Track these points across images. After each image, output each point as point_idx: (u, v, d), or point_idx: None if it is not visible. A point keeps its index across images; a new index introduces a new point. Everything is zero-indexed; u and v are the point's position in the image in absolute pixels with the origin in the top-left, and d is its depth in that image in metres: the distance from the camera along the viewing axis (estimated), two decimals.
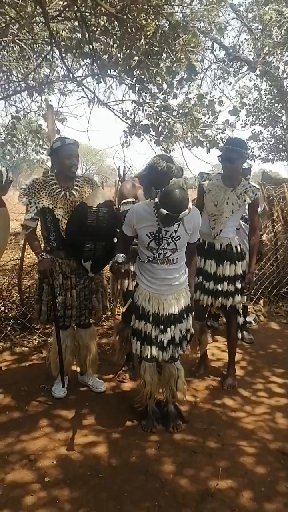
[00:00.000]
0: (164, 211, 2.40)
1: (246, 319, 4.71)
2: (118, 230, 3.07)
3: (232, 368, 3.62)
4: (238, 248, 3.42)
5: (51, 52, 5.12)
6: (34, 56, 5.94)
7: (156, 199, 2.49)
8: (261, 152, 14.32)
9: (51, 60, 5.33)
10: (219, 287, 3.36)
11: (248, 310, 4.94)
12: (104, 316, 4.59)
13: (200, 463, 2.57)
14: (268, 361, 4.04)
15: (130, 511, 2.19)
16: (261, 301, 5.47)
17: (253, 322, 4.96)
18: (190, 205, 2.51)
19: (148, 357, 2.77)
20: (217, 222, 3.33)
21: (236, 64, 10.69)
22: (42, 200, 3.00)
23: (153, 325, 2.74)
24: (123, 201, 3.21)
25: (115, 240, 3.13)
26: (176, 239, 2.64)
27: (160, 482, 2.40)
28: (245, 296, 3.50)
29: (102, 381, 3.46)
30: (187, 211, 2.45)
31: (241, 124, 13.20)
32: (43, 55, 5.71)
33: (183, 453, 2.66)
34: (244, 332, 4.52)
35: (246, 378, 3.69)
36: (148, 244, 2.64)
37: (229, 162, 3.22)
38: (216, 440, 2.80)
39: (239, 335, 4.31)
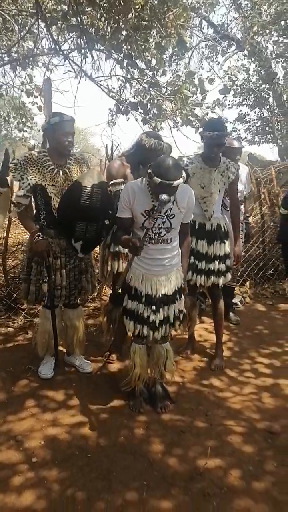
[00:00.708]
0: (158, 179, 2.35)
1: (233, 300, 4.73)
2: (110, 212, 3.01)
3: (220, 348, 3.63)
4: (226, 228, 3.44)
5: (36, 24, 4.92)
6: (18, 28, 5.73)
7: (149, 170, 2.43)
8: (247, 134, 14.26)
9: (36, 32, 5.13)
10: (211, 267, 3.36)
11: (235, 292, 4.95)
12: (90, 297, 4.54)
13: (188, 442, 2.57)
14: (254, 342, 4.07)
15: (119, 490, 2.18)
16: (247, 283, 5.49)
17: (240, 304, 4.98)
18: (185, 175, 2.47)
19: (140, 334, 2.74)
20: (208, 203, 3.29)
21: (224, 43, 10.53)
22: (35, 177, 2.90)
23: (145, 305, 2.71)
24: (112, 182, 3.15)
25: (107, 222, 3.07)
26: (171, 217, 2.59)
27: (148, 462, 2.40)
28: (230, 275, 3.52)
29: (89, 362, 3.43)
30: (181, 179, 2.41)
31: (228, 105, 13.09)
32: (27, 27, 5.51)
33: (171, 433, 2.66)
34: (231, 313, 4.53)
35: (233, 359, 3.71)
36: (143, 223, 2.59)
37: (218, 147, 3.20)
38: (204, 420, 2.81)
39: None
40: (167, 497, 2.15)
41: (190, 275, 3.35)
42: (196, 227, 3.33)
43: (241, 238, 4.42)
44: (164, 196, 2.33)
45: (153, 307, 2.71)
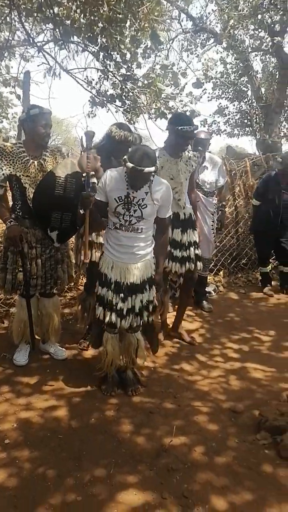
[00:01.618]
0: (130, 164, 2.48)
1: (206, 289, 4.86)
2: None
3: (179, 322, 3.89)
4: (193, 216, 3.59)
5: (11, 15, 4.92)
6: None
7: (125, 156, 2.56)
8: (226, 126, 14.37)
9: (11, 23, 5.12)
10: (186, 254, 3.51)
11: (208, 281, 5.09)
12: (67, 286, 4.61)
13: (157, 422, 2.69)
14: (225, 328, 4.22)
15: (89, 468, 2.29)
16: (221, 272, 5.65)
17: (213, 292, 5.12)
18: (158, 165, 2.60)
19: (109, 322, 2.83)
20: (180, 193, 3.42)
21: (203, 36, 10.59)
22: (9, 168, 2.96)
23: (114, 292, 2.81)
24: (84, 174, 3.21)
25: (82, 211, 3.14)
26: (142, 206, 2.69)
27: (117, 442, 2.51)
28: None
29: (64, 349, 3.53)
30: (153, 168, 2.53)
31: (208, 97, 13.18)
32: (2, 18, 5.49)
33: (141, 414, 2.78)
34: (204, 301, 4.67)
35: (204, 345, 3.85)
36: (115, 208, 2.69)
37: (187, 141, 3.35)
38: (172, 401, 2.93)
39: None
40: (134, 473, 2.27)
41: (166, 262, 3.46)
42: (171, 216, 3.44)
43: (214, 227, 4.56)
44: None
45: (122, 295, 2.80)
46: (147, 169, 2.51)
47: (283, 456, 2.37)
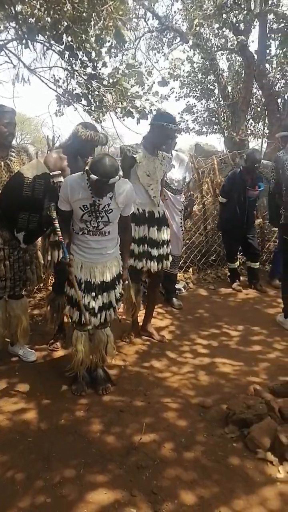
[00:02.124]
0: (94, 177, 2.45)
1: (176, 286, 4.91)
2: (52, 204, 3.05)
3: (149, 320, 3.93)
4: (166, 214, 3.66)
5: None
6: None
7: (87, 167, 2.53)
8: (195, 124, 14.51)
9: None
10: (161, 251, 3.56)
11: (178, 278, 5.14)
12: (36, 287, 4.57)
13: (127, 421, 2.71)
14: (195, 325, 4.27)
15: (58, 469, 2.28)
16: (191, 269, 5.70)
17: (183, 290, 5.16)
18: (121, 173, 2.58)
19: (81, 321, 2.82)
20: (155, 190, 3.47)
21: (169, 35, 10.66)
22: None
23: (85, 292, 2.81)
24: (51, 174, 3.19)
25: (49, 212, 3.11)
26: (108, 212, 2.70)
27: (87, 441, 2.52)
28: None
29: (33, 351, 3.49)
30: (117, 177, 2.52)
31: (176, 97, 13.28)
32: None
33: (111, 413, 2.79)
34: (174, 299, 4.71)
35: (174, 342, 3.89)
36: (81, 216, 2.68)
37: (168, 139, 3.44)
38: (142, 399, 2.95)
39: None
40: (103, 472, 2.27)
41: (144, 262, 3.50)
42: (147, 215, 3.48)
43: (182, 224, 4.61)
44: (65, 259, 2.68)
45: (93, 294, 2.81)
46: (112, 180, 2.49)
47: (250, 449, 2.42)
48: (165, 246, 3.59)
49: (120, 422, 2.70)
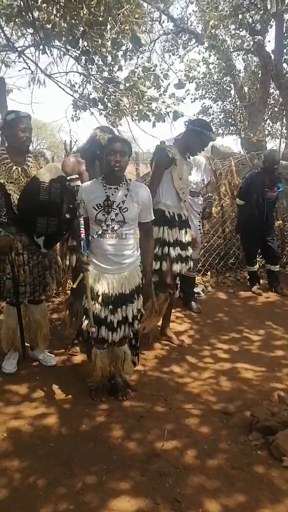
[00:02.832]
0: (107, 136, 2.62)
1: (194, 290, 4.86)
2: (71, 206, 3.05)
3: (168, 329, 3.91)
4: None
5: None
6: None
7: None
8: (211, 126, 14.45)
9: None
10: (188, 253, 3.55)
11: (196, 281, 5.09)
12: (54, 291, 4.58)
13: (148, 427, 2.68)
14: (215, 329, 4.22)
15: (80, 476, 2.27)
16: (209, 272, 5.65)
17: (201, 293, 5.12)
18: (138, 183, 2.61)
19: (100, 337, 2.78)
20: (185, 194, 3.49)
21: (184, 37, 10.63)
22: None
23: (102, 305, 2.74)
24: (68, 178, 3.19)
25: (68, 216, 3.11)
26: (123, 210, 2.66)
27: (108, 447, 2.49)
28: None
29: (53, 355, 3.49)
30: (127, 155, 2.65)
31: (191, 98, 13.24)
32: None
33: (131, 418, 2.76)
34: (192, 302, 4.67)
35: (194, 346, 3.85)
36: (95, 216, 2.66)
37: (204, 146, 3.47)
38: (163, 405, 2.92)
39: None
40: (125, 479, 2.25)
41: (180, 265, 3.47)
42: (176, 218, 3.45)
43: (201, 227, 4.57)
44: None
45: (111, 307, 2.74)
46: (124, 145, 2.60)
47: (275, 456, 2.37)
48: (189, 248, 3.57)
49: (141, 428, 2.67)
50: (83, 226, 2.63)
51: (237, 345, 3.87)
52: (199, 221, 4.49)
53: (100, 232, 2.68)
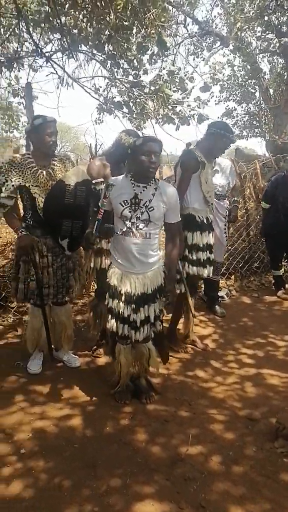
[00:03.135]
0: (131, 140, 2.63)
1: (218, 294, 4.83)
2: (95, 209, 3.08)
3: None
4: None
5: (19, 26, 4.97)
6: (2, 29, 5.76)
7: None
8: (235, 128, 14.33)
9: (19, 34, 5.18)
10: (212, 256, 3.57)
11: (221, 285, 5.05)
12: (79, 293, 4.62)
13: (172, 431, 2.67)
14: (239, 334, 4.17)
15: (104, 478, 2.27)
16: (233, 276, 5.60)
17: (226, 297, 5.07)
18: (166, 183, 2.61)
19: (121, 335, 2.80)
20: (212, 197, 3.48)
21: (209, 39, 10.60)
22: (19, 178, 2.98)
23: (125, 304, 2.75)
24: (93, 181, 3.21)
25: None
26: (150, 209, 2.65)
27: (132, 450, 2.49)
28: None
29: (77, 357, 3.52)
30: (160, 145, 2.62)
31: (215, 101, 13.19)
32: (10, 29, 5.55)
33: (155, 422, 2.76)
34: (216, 306, 4.64)
35: (218, 351, 3.81)
36: (121, 213, 2.65)
37: (226, 149, 3.44)
38: (187, 409, 2.91)
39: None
40: (150, 482, 2.24)
41: (208, 269, 3.50)
42: (205, 221, 3.46)
43: (226, 230, 4.55)
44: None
45: (133, 306, 2.75)
46: (158, 144, 2.60)
47: None
48: (212, 251, 3.57)
49: (165, 432, 2.66)
50: (105, 208, 2.67)
51: (262, 351, 3.82)
52: (225, 224, 4.46)
53: (124, 230, 2.67)
